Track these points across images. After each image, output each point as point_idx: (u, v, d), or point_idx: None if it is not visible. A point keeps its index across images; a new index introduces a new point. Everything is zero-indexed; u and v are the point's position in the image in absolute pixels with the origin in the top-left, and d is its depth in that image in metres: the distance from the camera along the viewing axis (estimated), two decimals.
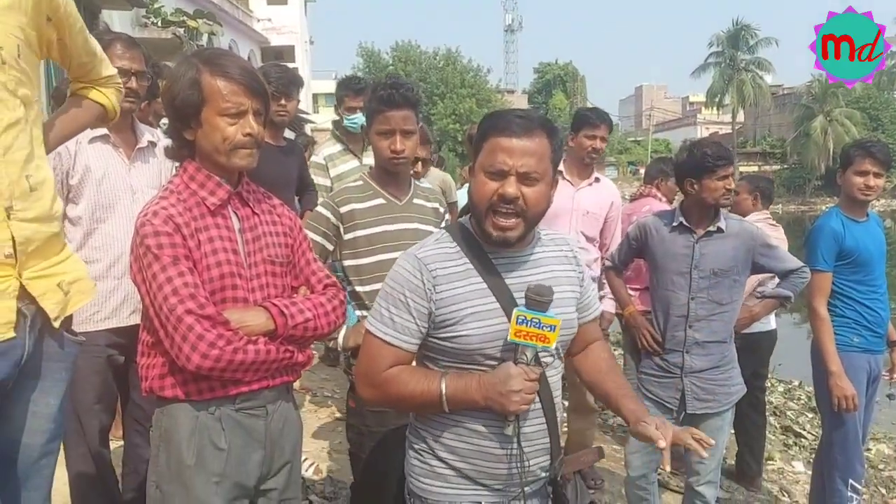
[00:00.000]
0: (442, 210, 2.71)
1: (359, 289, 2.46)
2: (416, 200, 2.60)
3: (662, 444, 1.69)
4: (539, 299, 1.63)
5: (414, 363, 1.80)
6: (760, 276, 3.78)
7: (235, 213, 1.89)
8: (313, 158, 4.15)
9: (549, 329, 1.62)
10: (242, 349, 1.74)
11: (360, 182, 2.58)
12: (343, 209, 2.48)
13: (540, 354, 1.67)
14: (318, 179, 4.02)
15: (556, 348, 1.74)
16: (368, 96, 2.48)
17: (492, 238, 1.69)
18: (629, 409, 1.82)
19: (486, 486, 1.76)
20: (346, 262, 2.48)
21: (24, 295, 1.60)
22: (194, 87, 1.78)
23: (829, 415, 3.41)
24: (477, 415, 1.71)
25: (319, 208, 2.54)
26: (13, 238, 1.57)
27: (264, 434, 1.89)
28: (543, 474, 1.79)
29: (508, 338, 1.63)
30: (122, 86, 2.11)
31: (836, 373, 3.28)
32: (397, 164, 2.52)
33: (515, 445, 1.71)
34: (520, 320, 1.61)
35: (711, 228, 3.00)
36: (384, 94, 2.42)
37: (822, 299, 3.36)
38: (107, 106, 2.03)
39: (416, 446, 1.83)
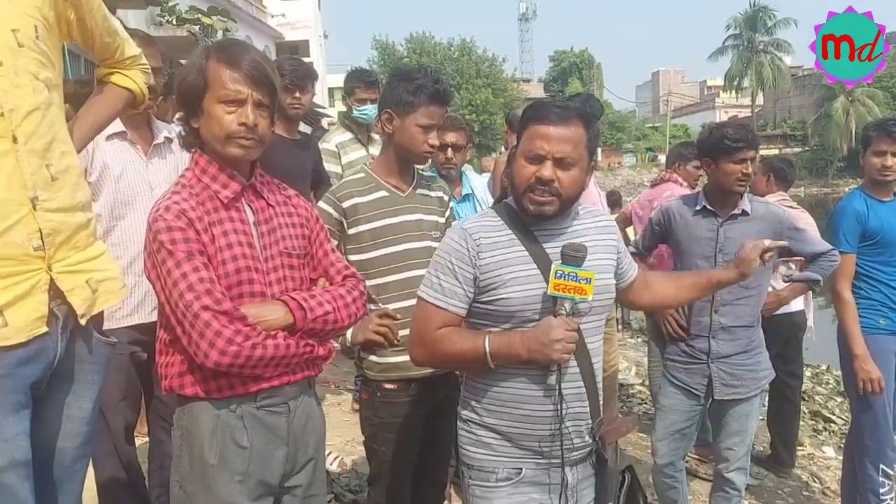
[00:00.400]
0: (446, 198, 2.67)
1: (365, 283, 2.44)
2: (419, 190, 2.56)
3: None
4: (574, 254, 1.78)
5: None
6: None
7: (249, 205, 1.86)
8: (324, 145, 4.17)
9: (585, 282, 1.76)
10: (261, 344, 1.70)
11: (362, 174, 2.54)
12: (345, 204, 2.45)
13: (579, 306, 1.81)
14: (330, 166, 4.04)
15: (591, 307, 1.88)
16: (405, 86, 2.41)
17: (529, 212, 1.85)
18: (718, 272, 2.33)
19: (529, 449, 1.90)
20: (352, 257, 2.45)
21: (55, 294, 1.58)
22: (200, 72, 1.76)
23: (857, 399, 3.36)
24: (517, 377, 1.86)
25: (322, 204, 2.50)
26: (40, 230, 1.54)
27: (287, 431, 1.86)
28: (579, 441, 1.91)
29: (548, 291, 1.77)
30: (148, 66, 2.07)
31: (860, 356, 3.23)
32: (428, 158, 2.56)
33: (554, 405, 1.84)
34: (558, 274, 1.76)
35: (736, 211, 2.94)
36: (436, 88, 2.40)
37: (846, 281, 3.30)
38: (134, 90, 2.00)
39: (464, 416, 2.00)
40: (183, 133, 1.88)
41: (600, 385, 1.96)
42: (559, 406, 1.84)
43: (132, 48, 1.99)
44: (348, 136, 4.20)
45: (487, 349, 1.80)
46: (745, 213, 2.94)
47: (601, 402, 1.97)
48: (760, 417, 3.78)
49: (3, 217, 1.48)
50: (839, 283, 3.29)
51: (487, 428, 1.92)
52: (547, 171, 1.80)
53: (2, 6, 1.54)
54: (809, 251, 3.01)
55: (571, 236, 1.91)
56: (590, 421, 1.92)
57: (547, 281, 1.79)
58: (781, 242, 2.38)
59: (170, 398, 1.84)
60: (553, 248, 1.87)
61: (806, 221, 4.00)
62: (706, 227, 2.99)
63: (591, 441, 1.94)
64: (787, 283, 3.45)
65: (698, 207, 3.02)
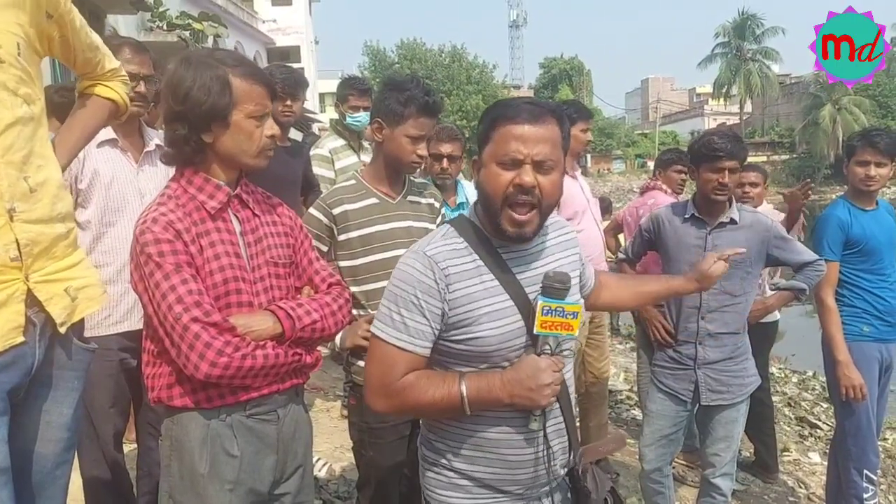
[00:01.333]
0: (437, 205, 2.69)
1: (354, 289, 2.45)
2: (409, 197, 2.59)
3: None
4: (560, 287, 1.59)
5: None
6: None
7: (236, 215, 1.86)
8: (317, 151, 4.21)
9: (571, 316, 1.59)
10: (251, 355, 1.71)
11: (353, 181, 2.56)
12: (336, 210, 2.47)
13: (563, 343, 1.65)
14: (323, 171, 4.07)
15: (577, 343, 1.74)
16: (396, 97, 2.43)
17: (507, 234, 1.62)
18: (677, 282, 2.29)
19: (507, 492, 1.72)
20: (342, 263, 2.47)
21: (32, 302, 1.59)
22: (225, 90, 1.75)
23: (841, 405, 3.39)
24: (494, 422, 1.66)
25: (312, 210, 2.52)
26: (17, 240, 1.54)
27: (276, 439, 1.87)
28: (563, 471, 1.77)
29: (535, 330, 1.58)
30: (127, 78, 2.09)
31: (843, 362, 3.27)
32: (416, 168, 2.58)
33: (535, 448, 1.68)
34: (545, 311, 1.58)
35: (724, 219, 2.97)
36: (427, 100, 2.42)
37: (829, 289, 3.34)
38: (117, 100, 2.02)
39: (430, 458, 1.77)
40: (171, 151, 1.83)
41: (577, 410, 1.86)
42: (544, 449, 1.69)
43: (112, 61, 2.01)
44: (341, 142, 4.25)
45: (465, 395, 1.57)
46: (733, 221, 2.97)
47: (578, 431, 1.83)
48: None
49: None
50: (823, 291, 3.33)
51: (458, 472, 1.72)
52: (528, 176, 1.57)
53: (10, 17, 1.55)
54: (796, 260, 3.04)
55: (541, 257, 1.73)
56: (569, 455, 1.76)
57: (522, 314, 1.62)
58: (740, 250, 2.36)
59: (158, 408, 1.84)
60: (524, 274, 1.68)
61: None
62: (695, 234, 3.02)
63: (569, 472, 1.78)
64: (772, 291, 3.48)
65: (687, 215, 3.05)
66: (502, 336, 1.62)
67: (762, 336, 4.21)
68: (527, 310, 1.63)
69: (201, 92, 1.74)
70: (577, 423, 1.82)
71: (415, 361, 1.63)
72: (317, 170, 4.08)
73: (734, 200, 3.02)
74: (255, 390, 1.79)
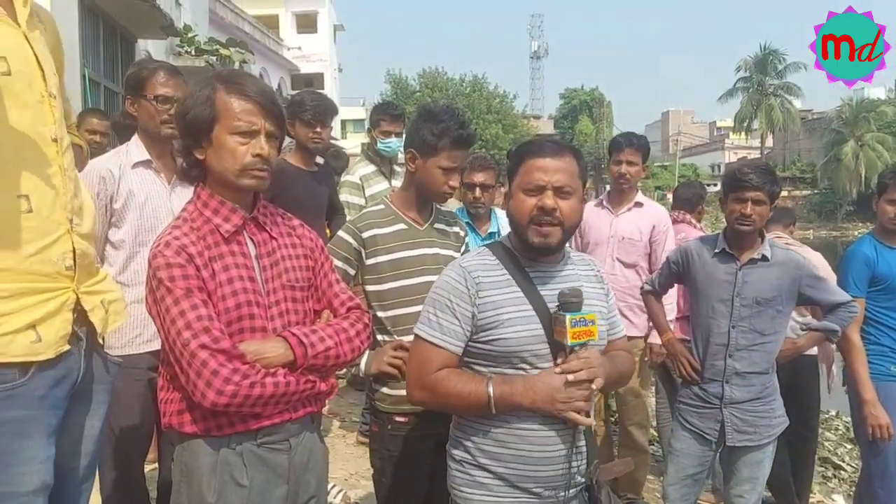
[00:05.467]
0: (462, 234, 2.70)
1: (381, 314, 2.45)
2: (437, 225, 2.59)
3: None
4: (575, 300, 1.79)
5: None
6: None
7: (251, 238, 1.84)
8: (348, 178, 4.19)
9: (591, 323, 1.79)
10: (260, 383, 1.67)
11: (382, 206, 2.57)
12: (365, 234, 2.47)
13: (592, 347, 1.83)
14: (353, 199, 4.06)
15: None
16: (430, 127, 2.43)
17: (534, 244, 1.86)
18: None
19: (527, 490, 1.86)
20: (369, 287, 2.47)
21: (77, 315, 1.62)
22: (207, 103, 1.74)
23: (867, 445, 3.33)
24: (519, 419, 1.83)
25: (341, 233, 2.53)
26: (74, 250, 1.61)
27: (288, 468, 1.82)
28: (581, 478, 1.90)
29: (567, 342, 1.77)
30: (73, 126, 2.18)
31: (869, 401, 3.21)
32: (447, 198, 2.59)
33: (556, 447, 1.84)
34: (574, 323, 1.76)
35: (755, 256, 2.91)
36: (461, 134, 2.43)
37: (855, 326, 3.28)
38: (83, 147, 2.17)
39: (456, 457, 1.95)
40: (183, 166, 1.86)
41: (594, 423, 1.96)
42: (565, 450, 1.85)
43: (72, 113, 2.09)
44: (371, 168, 4.20)
45: (491, 394, 1.79)
46: (764, 258, 2.90)
47: (594, 442, 1.99)
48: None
49: (45, 234, 1.54)
50: (849, 328, 3.25)
51: (483, 468, 1.89)
52: (549, 199, 1.83)
53: (48, 56, 1.64)
54: (828, 300, 2.97)
55: (564, 279, 1.93)
56: (584, 463, 1.91)
57: (542, 322, 1.83)
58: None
59: (170, 433, 1.84)
60: (547, 292, 1.88)
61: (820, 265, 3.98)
62: (724, 270, 2.96)
63: (585, 482, 1.92)
64: (804, 332, 3.42)
65: (717, 250, 2.99)
66: (522, 340, 1.83)
67: (807, 370, 4.10)
68: (547, 320, 1.84)
69: (187, 104, 1.77)
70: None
71: (448, 358, 1.86)
72: (348, 197, 4.07)
73: (765, 236, 2.97)
74: (266, 418, 1.75)
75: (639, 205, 4.02)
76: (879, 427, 3.18)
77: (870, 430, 3.21)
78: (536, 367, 1.84)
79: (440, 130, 2.41)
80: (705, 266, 3.01)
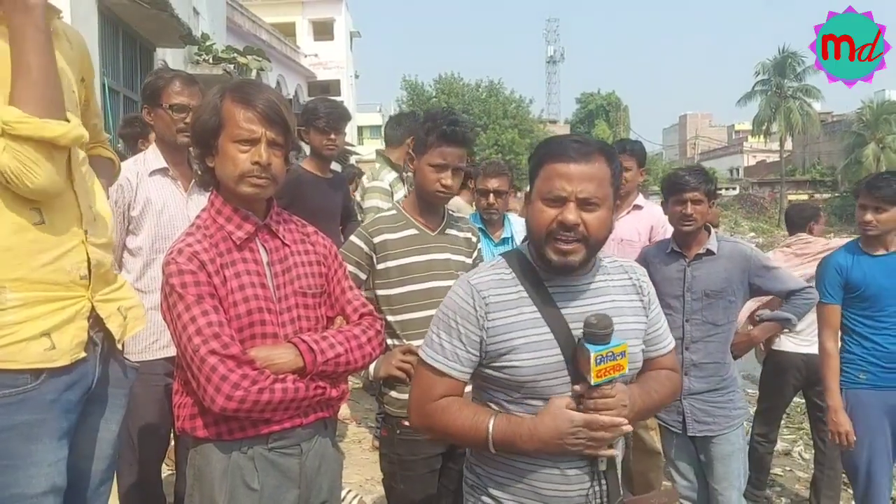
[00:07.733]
0: (475, 240, 2.71)
1: (390, 318, 2.47)
2: (448, 230, 2.60)
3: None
4: (602, 332, 1.53)
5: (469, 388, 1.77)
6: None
7: (263, 245, 1.86)
8: (377, 184, 4.18)
9: (620, 356, 1.55)
10: (269, 389, 1.69)
11: (394, 212, 2.59)
12: (376, 239, 2.49)
13: (618, 382, 1.60)
14: (381, 204, 4.08)
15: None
16: (423, 126, 2.46)
17: (552, 263, 1.62)
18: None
19: None
20: (379, 292, 2.49)
21: (93, 321, 1.67)
22: (214, 112, 1.78)
23: (841, 454, 3.43)
24: (529, 456, 1.64)
25: (353, 238, 2.55)
26: (89, 259, 1.65)
27: (299, 473, 1.84)
28: None
29: (591, 381, 1.53)
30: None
31: (832, 407, 3.29)
32: (442, 199, 2.55)
33: (570, 487, 1.64)
34: (599, 360, 1.52)
35: (701, 251, 3.06)
36: (447, 129, 2.43)
37: (829, 332, 3.34)
38: (115, 161, 2.17)
39: (470, 481, 1.79)
40: (199, 172, 1.93)
41: (617, 454, 1.70)
42: (581, 491, 1.64)
43: (103, 129, 2.15)
44: (394, 174, 4.21)
45: (491, 433, 1.60)
46: (710, 252, 3.04)
47: (619, 477, 1.73)
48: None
49: (58, 244, 1.59)
50: (823, 334, 3.35)
51: (493, 499, 1.71)
52: (570, 214, 1.57)
53: (69, 72, 1.70)
54: (779, 289, 3.08)
55: (592, 295, 1.69)
56: (606, 501, 1.67)
57: (562, 348, 1.60)
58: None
59: (184, 438, 1.87)
60: (571, 310, 1.65)
61: None
62: (675, 268, 3.12)
63: None
64: (757, 322, 3.49)
65: (668, 250, 3.15)
66: (538, 368, 1.61)
67: (782, 367, 4.15)
68: (568, 344, 1.61)
69: (198, 113, 1.83)
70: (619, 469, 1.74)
71: (451, 386, 1.68)
72: (378, 202, 4.06)
73: (712, 231, 3.11)
74: (276, 423, 1.78)
75: (637, 207, 4.10)
76: (839, 434, 3.24)
77: (830, 437, 3.32)
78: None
79: (429, 128, 2.44)
80: (658, 268, 3.13)
